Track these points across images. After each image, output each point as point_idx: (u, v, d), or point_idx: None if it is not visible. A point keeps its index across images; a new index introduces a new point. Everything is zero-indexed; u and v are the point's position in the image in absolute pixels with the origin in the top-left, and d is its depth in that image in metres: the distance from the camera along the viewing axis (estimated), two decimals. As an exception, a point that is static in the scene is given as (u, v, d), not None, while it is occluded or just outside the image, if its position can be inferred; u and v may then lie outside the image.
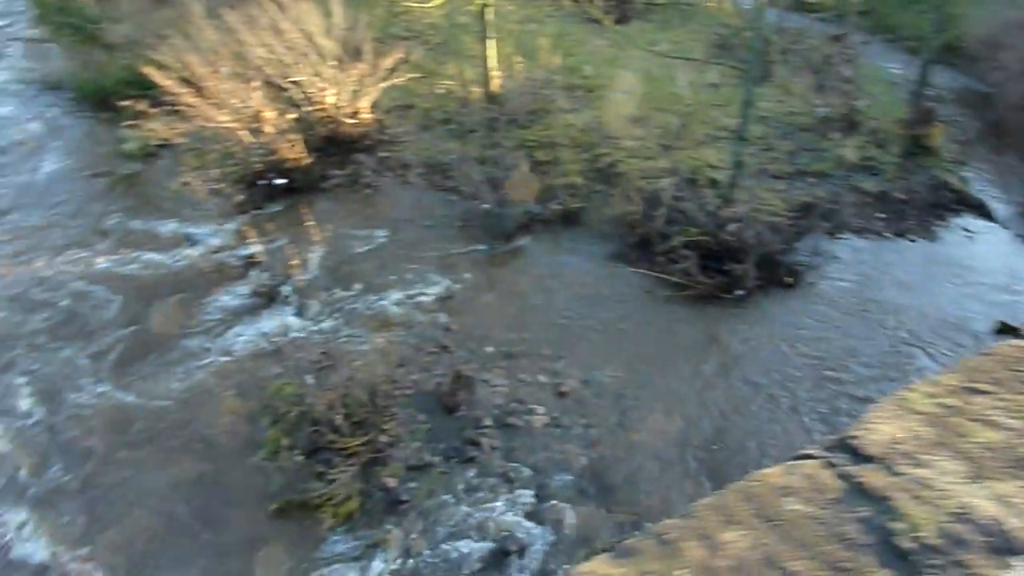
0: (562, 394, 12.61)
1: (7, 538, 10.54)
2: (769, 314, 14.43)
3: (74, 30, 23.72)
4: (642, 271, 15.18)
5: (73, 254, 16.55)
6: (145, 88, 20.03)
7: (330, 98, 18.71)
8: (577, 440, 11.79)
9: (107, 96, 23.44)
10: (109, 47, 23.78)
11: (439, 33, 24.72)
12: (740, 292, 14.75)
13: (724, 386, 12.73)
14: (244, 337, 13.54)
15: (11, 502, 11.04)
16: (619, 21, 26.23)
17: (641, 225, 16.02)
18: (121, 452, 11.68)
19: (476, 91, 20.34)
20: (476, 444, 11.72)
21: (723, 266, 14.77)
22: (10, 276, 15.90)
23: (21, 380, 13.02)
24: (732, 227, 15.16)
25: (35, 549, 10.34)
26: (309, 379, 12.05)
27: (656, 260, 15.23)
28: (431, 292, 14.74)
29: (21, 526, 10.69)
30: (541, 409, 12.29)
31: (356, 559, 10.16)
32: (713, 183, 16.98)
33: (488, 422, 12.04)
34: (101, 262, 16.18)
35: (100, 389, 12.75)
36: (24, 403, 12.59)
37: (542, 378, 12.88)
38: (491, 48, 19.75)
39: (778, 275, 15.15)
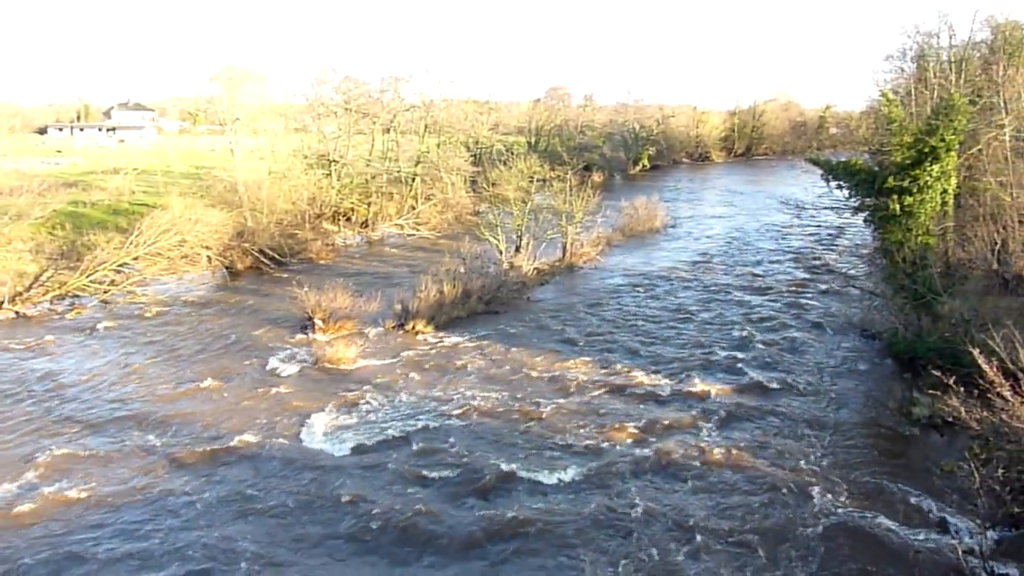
0: None
1: None
2: None
3: (910, 294, 25.59)
4: None
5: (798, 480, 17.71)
6: (956, 364, 20.04)
7: None
8: None
9: (914, 359, 24.47)
10: (936, 317, 24.77)
11: None
12: None
13: None
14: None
15: None
16: None
17: None
18: None
19: None
20: None
21: None
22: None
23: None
24: None
25: None
26: None
27: None
28: None
29: None
30: None
31: None
32: None
33: None
34: (840, 505, 16.83)
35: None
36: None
37: None
38: None
39: None
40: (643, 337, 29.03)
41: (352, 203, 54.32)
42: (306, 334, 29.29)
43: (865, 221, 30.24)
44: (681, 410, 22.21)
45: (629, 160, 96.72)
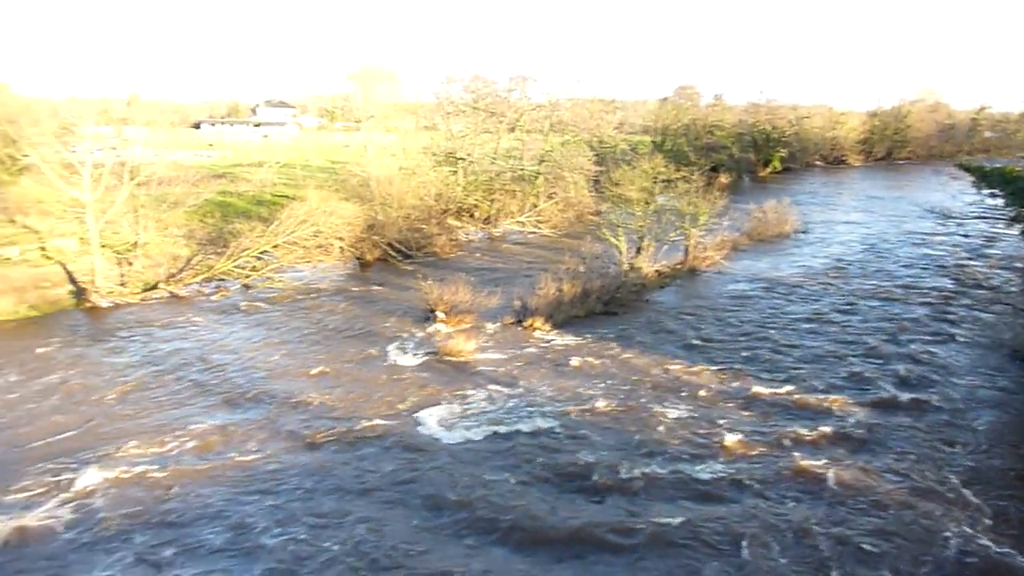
0: None
1: None
2: None
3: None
4: None
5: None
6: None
7: None
8: None
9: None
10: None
11: None
12: None
13: None
14: None
15: None
16: None
17: None
18: None
19: None
20: None
21: None
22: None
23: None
24: None
25: None
26: None
27: None
28: None
29: None
30: None
31: None
32: None
33: None
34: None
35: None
36: None
37: None
38: None
39: None
40: (769, 345, 28.04)
41: (476, 200, 55.47)
42: (428, 325, 30.23)
43: (1022, 233, 27.92)
44: (807, 423, 21.31)
45: (759, 162, 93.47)
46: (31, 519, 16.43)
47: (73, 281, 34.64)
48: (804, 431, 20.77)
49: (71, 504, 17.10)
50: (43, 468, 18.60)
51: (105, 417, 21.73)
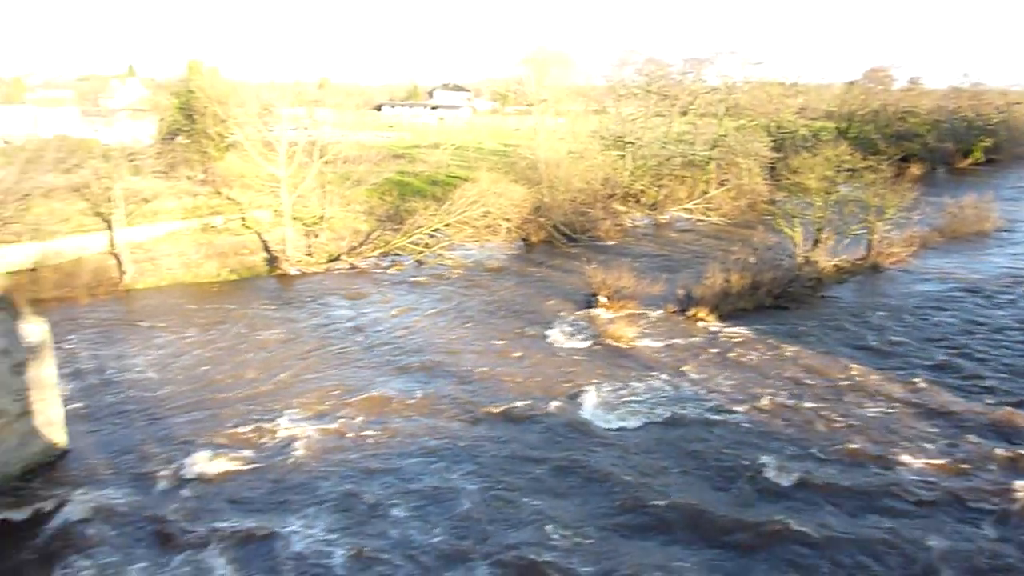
0: None
1: None
2: None
3: None
4: None
5: None
6: None
7: None
8: None
9: None
10: None
11: None
12: None
13: None
14: None
15: None
16: None
17: None
18: None
19: None
20: None
21: None
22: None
23: None
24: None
25: None
26: None
27: None
28: None
29: None
30: None
31: None
32: None
33: None
34: None
35: None
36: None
37: None
38: None
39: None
40: (957, 353, 25.58)
41: (643, 185, 54.64)
42: (590, 309, 30.30)
43: None
44: (996, 442, 19.32)
45: (957, 152, 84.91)
46: (248, 455, 18.50)
47: (267, 249, 37.90)
48: (987, 450, 18.95)
49: (280, 446, 19.06)
50: (254, 413, 20.80)
51: (303, 373, 23.87)
